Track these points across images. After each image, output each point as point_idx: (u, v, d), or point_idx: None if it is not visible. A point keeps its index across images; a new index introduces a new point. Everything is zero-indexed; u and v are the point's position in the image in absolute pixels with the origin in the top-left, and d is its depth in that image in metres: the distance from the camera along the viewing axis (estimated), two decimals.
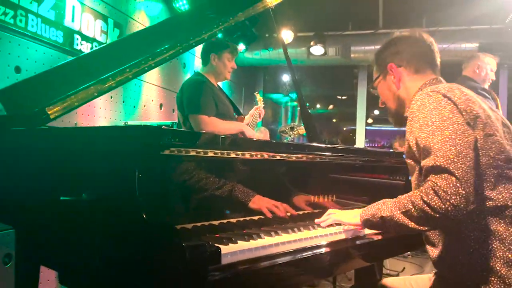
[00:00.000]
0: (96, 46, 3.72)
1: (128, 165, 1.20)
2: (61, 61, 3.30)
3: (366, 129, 7.62)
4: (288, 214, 1.71)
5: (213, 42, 3.03)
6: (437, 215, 1.28)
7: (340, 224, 1.69)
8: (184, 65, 5.37)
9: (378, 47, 1.76)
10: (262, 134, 5.09)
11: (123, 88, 4.11)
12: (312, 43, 5.88)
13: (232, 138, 1.54)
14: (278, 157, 1.68)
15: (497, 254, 1.36)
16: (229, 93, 6.64)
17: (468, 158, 1.30)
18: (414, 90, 1.62)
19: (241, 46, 6.12)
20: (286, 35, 5.89)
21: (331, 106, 12.00)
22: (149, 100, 4.60)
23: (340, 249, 1.57)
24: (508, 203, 1.38)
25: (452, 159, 1.29)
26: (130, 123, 4.04)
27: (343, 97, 10.88)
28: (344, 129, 14.52)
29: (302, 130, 5.47)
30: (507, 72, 6.34)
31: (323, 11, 5.75)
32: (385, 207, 1.45)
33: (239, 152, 1.52)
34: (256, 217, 1.64)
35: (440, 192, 1.27)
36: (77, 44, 3.54)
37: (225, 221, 1.54)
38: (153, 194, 1.20)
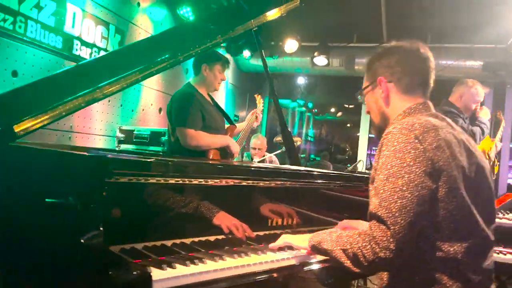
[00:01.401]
0: (96, 52, 3.83)
1: (75, 190, 1.28)
2: (59, 65, 3.42)
3: (372, 137, 7.62)
4: (247, 234, 1.77)
5: (205, 53, 3.08)
6: (366, 264, 1.33)
7: (292, 248, 1.74)
8: (187, 70, 5.43)
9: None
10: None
11: (122, 91, 4.19)
12: (315, 53, 5.92)
13: (179, 164, 1.59)
14: (231, 183, 1.73)
15: None
16: (233, 98, 6.71)
17: (411, 214, 1.29)
18: (399, 111, 1.56)
19: (246, 53, 6.22)
20: (291, 44, 5.94)
21: (339, 113, 12.00)
22: (148, 104, 4.67)
23: (286, 274, 1.62)
24: (458, 257, 1.37)
25: (393, 213, 1.29)
26: (124, 128, 4.13)
27: (350, 106, 10.87)
28: (357, 135, 14.47)
29: (298, 140, 5.50)
30: None
31: (328, 22, 5.78)
32: (329, 239, 1.48)
33: (193, 179, 1.58)
34: (212, 238, 1.70)
35: (372, 243, 1.31)
36: (76, 50, 3.65)
37: (178, 241, 1.60)
38: (97, 218, 1.26)
